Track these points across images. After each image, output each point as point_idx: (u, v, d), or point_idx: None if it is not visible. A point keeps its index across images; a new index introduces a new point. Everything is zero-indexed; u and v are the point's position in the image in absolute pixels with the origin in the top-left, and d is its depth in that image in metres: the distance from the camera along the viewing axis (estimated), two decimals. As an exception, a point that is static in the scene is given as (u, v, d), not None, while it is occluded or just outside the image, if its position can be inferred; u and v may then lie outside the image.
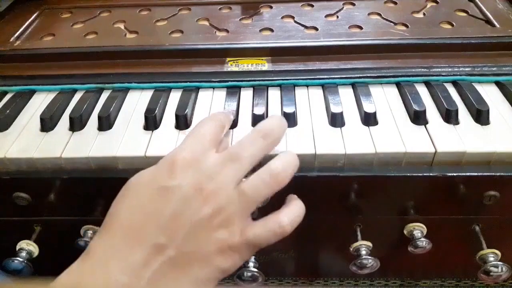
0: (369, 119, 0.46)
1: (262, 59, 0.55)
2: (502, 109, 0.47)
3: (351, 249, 0.47)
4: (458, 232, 0.49)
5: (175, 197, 0.33)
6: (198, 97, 0.51)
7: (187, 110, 0.48)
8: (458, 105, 0.47)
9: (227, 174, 0.35)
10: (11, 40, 0.60)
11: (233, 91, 0.51)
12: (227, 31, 0.61)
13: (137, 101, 0.51)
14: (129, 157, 0.44)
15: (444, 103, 0.46)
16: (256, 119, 0.47)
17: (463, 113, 0.47)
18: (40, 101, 0.52)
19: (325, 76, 0.52)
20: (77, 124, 0.47)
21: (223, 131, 0.39)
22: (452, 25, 0.59)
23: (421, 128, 0.45)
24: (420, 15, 0.62)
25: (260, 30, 0.60)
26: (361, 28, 0.59)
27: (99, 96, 0.52)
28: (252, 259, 0.46)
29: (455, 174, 0.42)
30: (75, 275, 0.31)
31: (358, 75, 0.52)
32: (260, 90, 0.51)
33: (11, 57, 0.58)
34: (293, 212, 0.37)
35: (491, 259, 0.45)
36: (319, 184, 0.44)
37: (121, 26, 0.64)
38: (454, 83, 0.51)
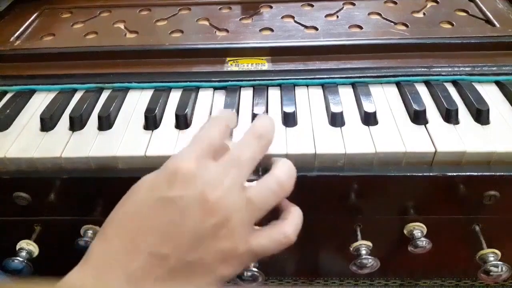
0: (369, 119, 0.46)
1: (262, 59, 0.55)
2: (502, 109, 0.47)
3: (351, 249, 0.47)
4: (458, 232, 0.49)
5: (177, 208, 0.32)
6: (198, 97, 0.51)
7: (187, 110, 0.48)
8: (458, 105, 0.47)
9: (231, 181, 0.33)
10: (11, 40, 0.61)
11: (233, 91, 0.51)
12: (227, 31, 0.61)
13: (137, 101, 0.51)
14: (129, 157, 0.44)
15: (444, 103, 0.46)
16: (256, 119, 0.47)
17: (463, 113, 0.47)
18: (40, 101, 0.52)
19: (325, 76, 0.52)
20: (77, 124, 0.47)
21: (227, 134, 0.38)
22: (452, 25, 0.59)
23: (421, 128, 0.45)
24: (420, 15, 0.62)
25: (260, 30, 0.60)
26: (361, 28, 0.59)
27: (99, 96, 0.52)
28: (252, 259, 0.46)
29: (455, 174, 0.42)
30: (76, 283, 0.31)
31: (358, 75, 0.52)
32: (260, 90, 0.51)
33: (11, 57, 0.58)
34: (296, 220, 0.37)
35: (491, 259, 0.45)
36: (319, 184, 0.44)
37: (121, 26, 0.64)
38: (454, 83, 0.51)
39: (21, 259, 0.45)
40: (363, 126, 0.46)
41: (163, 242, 0.31)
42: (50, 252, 0.49)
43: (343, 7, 0.65)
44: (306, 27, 0.60)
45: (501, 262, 0.45)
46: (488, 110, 0.46)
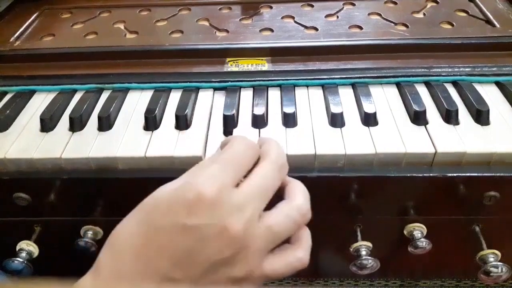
0: (369, 120, 0.46)
1: (262, 59, 0.55)
2: (502, 109, 0.47)
3: (351, 249, 0.47)
4: (458, 232, 0.49)
5: (195, 236, 0.30)
6: (198, 97, 0.51)
7: (187, 110, 0.48)
8: (458, 105, 0.47)
9: (252, 212, 0.32)
10: (11, 40, 0.61)
11: (233, 91, 0.51)
12: (227, 31, 0.61)
13: (137, 101, 0.51)
14: (129, 158, 0.44)
15: (444, 103, 0.46)
16: (256, 119, 0.47)
17: (463, 113, 0.47)
18: (40, 101, 0.52)
19: (325, 76, 0.52)
20: (77, 124, 0.47)
21: (256, 158, 0.35)
22: (452, 25, 0.59)
23: (421, 129, 0.45)
24: (420, 15, 0.62)
25: (260, 30, 0.60)
26: (361, 28, 0.59)
27: (99, 96, 0.52)
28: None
29: (455, 175, 0.42)
30: None
31: (358, 75, 0.52)
32: (260, 90, 0.51)
33: (11, 57, 0.58)
34: (307, 242, 0.36)
35: (491, 259, 0.45)
36: (319, 184, 0.44)
37: (121, 26, 0.64)
38: (454, 83, 0.51)
39: (21, 260, 0.45)
40: (363, 127, 0.46)
41: (176, 268, 0.30)
42: (50, 252, 0.49)
43: (343, 8, 0.65)
44: (306, 27, 0.60)
45: (501, 263, 0.45)
46: (488, 110, 0.46)
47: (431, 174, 0.42)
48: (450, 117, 0.46)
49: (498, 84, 0.51)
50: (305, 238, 0.36)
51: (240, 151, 0.34)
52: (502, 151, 0.42)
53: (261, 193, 0.33)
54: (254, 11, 0.65)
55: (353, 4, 0.66)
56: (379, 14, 0.62)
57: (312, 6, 0.66)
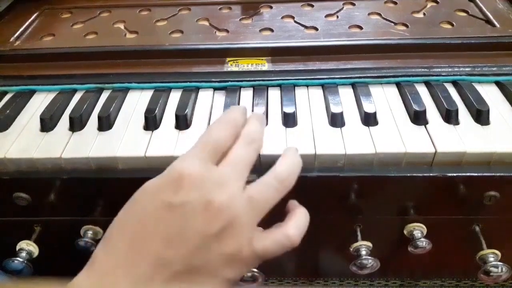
0: (369, 119, 0.46)
1: (262, 59, 0.55)
2: (502, 109, 0.47)
3: (351, 249, 0.47)
4: (458, 232, 0.49)
5: (182, 213, 0.32)
6: (198, 97, 0.51)
7: (187, 110, 0.48)
8: (458, 105, 0.47)
9: (234, 184, 0.34)
10: (11, 40, 0.61)
11: (233, 91, 0.51)
12: (227, 31, 0.61)
13: (137, 101, 0.51)
14: (129, 157, 0.44)
15: (444, 103, 0.46)
16: (256, 119, 0.47)
17: (463, 113, 0.47)
18: (40, 101, 0.52)
19: (325, 76, 0.52)
20: (77, 124, 0.47)
21: (238, 133, 0.38)
22: (452, 25, 0.59)
23: (421, 128, 0.45)
24: (420, 15, 0.62)
25: (260, 30, 0.60)
26: (361, 28, 0.59)
27: (99, 96, 0.52)
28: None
29: (455, 174, 0.42)
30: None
31: (358, 75, 0.51)
32: (260, 90, 0.51)
33: (11, 57, 0.58)
34: (299, 222, 0.37)
35: (491, 259, 0.45)
36: (319, 184, 0.44)
37: (121, 26, 0.64)
38: (454, 83, 0.51)
39: (21, 260, 0.45)
40: (363, 127, 0.46)
41: (168, 247, 0.31)
42: (50, 252, 0.49)
43: (343, 7, 0.65)
44: (306, 27, 0.60)
45: (501, 263, 0.45)
46: (488, 110, 0.46)
47: (431, 174, 0.42)
48: (450, 117, 0.46)
49: (498, 84, 0.51)
50: (298, 217, 0.37)
51: (215, 133, 0.36)
52: (502, 151, 0.42)
53: (237, 167, 0.35)
54: (254, 11, 0.65)
55: (353, 4, 0.66)
56: (379, 14, 0.62)
57: (312, 6, 0.66)
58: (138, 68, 0.55)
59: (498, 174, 0.42)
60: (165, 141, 0.45)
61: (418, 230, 0.47)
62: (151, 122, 0.47)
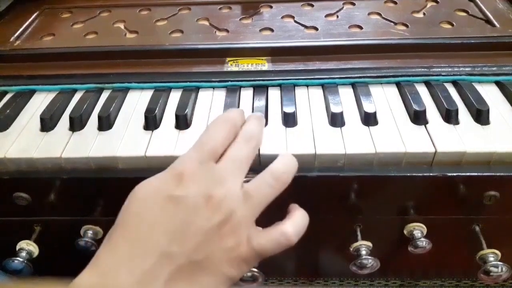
0: (369, 119, 0.46)
1: (262, 59, 0.55)
2: (502, 109, 0.47)
3: (351, 249, 0.47)
4: (458, 232, 0.49)
5: (184, 206, 0.32)
6: (198, 97, 0.51)
7: (187, 110, 0.48)
8: (458, 105, 0.47)
9: (232, 180, 0.35)
10: (11, 40, 0.60)
11: (233, 91, 0.51)
12: (227, 31, 0.61)
13: (137, 101, 0.51)
14: (129, 157, 0.44)
15: (444, 103, 0.46)
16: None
17: (463, 113, 0.47)
18: (40, 101, 0.52)
19: (325, 76, 0.52)
20: (77, 124, 0.47)
21: (236, 132, 0.38)
22: (452, 25, 0.59)
23: (421, 128, 0.45)
24: (420, 15, 0.62)
25: (260, 30, 0.60)
26: (361, 28, 0.59)
27: (99, 96, 0.52)
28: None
29: (455, 174, 0.42)
30: (84, 286, 0.31)
31: (358, 75, 0.51)
32: (260, 90, 0.51)
33: (11, 57, 0.58)
34: (297, 222, 0.37)
35: (491, 259, 0.45)
36: (319, 184, 0.44)
37: (121, 26, 0.64)
38: (454, 83, 0.51)
39: (21, 260, 0.45)
40: (363, 126, 0.46)
41: (172, 241, 0.32)
42: (50, 252, 0.49)
43: (343, 7, 0.65)
44: (306, 27, 0.60)
45: (501, 263, 0.45)
46: (488, 110, 0.46)
47: (431, 174, 0.42)
48: (450, 116, 0.46)
49: (498, 84, 0.51)
50: (296, 217, 0.38)
51: (213, 132, 0.37)
52: (502, 150, 0.42)
53: (236, 164, 0.36)
54: (254, 11, 0.65)
55: (353, 4, 0.66)
56: (379, 14, 0.62)
57: (312, 5, 0.66)
58: (138, 68, 0.55)
59: (498, 174, 0.42)
60: (165, 141, 0.45)
61: (418, 230, 0.47)
62: (151, 122, 0.47)
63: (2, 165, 0.45)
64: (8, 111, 0.50)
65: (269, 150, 0.43)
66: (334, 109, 0.47)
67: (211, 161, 0.35)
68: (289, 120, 0.46)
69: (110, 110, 0.48)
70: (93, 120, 0.48)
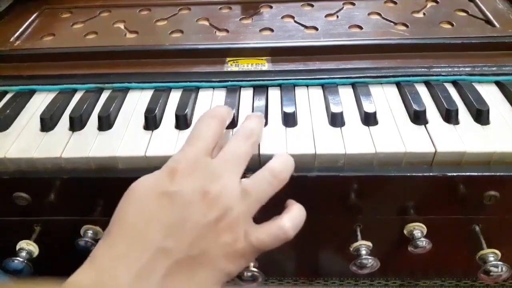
0: (369, 119, 0.46)
1: (262, 59, 0.55)
2: (502, 109, 0.47)
3: (351, 249, 0.47)
4: (458, 232, 0.49)
5: (179, 201, 0.33)
6: (198, 97, 0.51)
7: (187, 110, 0.48)
8: (458, 105, 0.47)
9: (228, 175, 0.35)
10: (11, 40, 0.60)
11: (233, 91, 0.51)
12: (227, 31, 0.61)
13: (137, 101, 0.51)
14: (129, 157, 0.44)
15: (444, 103, 0.46)
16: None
17: (463, 113, 0.47)
18: (40, 101, 0.52)
19: (325, 76, 0.52)
20: (77, 124, 0.47)
21: (223, 129, 0.40)
22: (452, 25, 0.59)
23: (421, 128, 0.45)
24: (420, 15, 0.62)
25: (260, 30, 0.60)
26: (361, 28, 0.59)
27: (99, 96, 0.52)
28: (252, 259, 0.46)
29: (455, 174, 0.42)
30: (82, 283, 0.31)
31: (358, 75, 0.51)
32: (260, 90, 0.51)
33: (11, 57, 0.58)
34: (295, 216, 0.37)
35: (491, 259, 0.45)
36: (319, 184, 0.44)
37: (121, 26, 0.64)
38: (454, 83, 0.51)
39: (21, 259, 0.45)
40: (363, 126, 0.46)
41: (168, 236, 0.32)
42: (50, 252, 0.49)
43: (343, 7, 0.65)
44: (306, 27, 0.60)
45: (501, 262, 0.45)
46: (488, 110, 0.46)
47: (431, 174, 0.42)
48: (450, 116, 0.46)
49: (498, 84, 0.51)
50: (293, 211, 0.38)
51: (203, 127, 0.38)
52: (502, 150, 0.42)
53: (233, 160, 0.36)
54: (254, 11, 0.65)
55: (353, 4, 0.66)
56: (379, 14, 0.62)
57: (312, 5, 0.66)
58: (138, 68, 0.55)
59: (498, 174, 0.42)
60: (165, 140, 0.45)
61: (418, 230, 0.47)
62: (151, 122, 0.47)
63: (2, 165, 0.45)
64: (8, 111, 0.50)
65: (269, 150, 0.43)
66: (334, 109, 0.47)
67: (206, 156, 0.36)
68: (289, 120, 0.46)
69: (110, 110, 0.48)
70: (93, 120, 0.48)
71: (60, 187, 0.45)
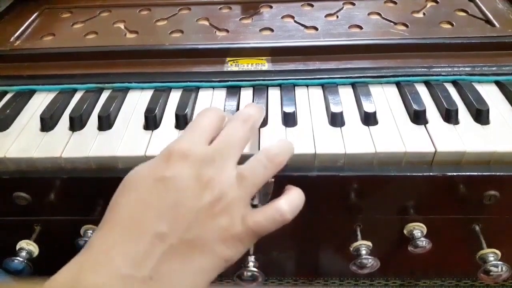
0: (369, 119, 0.46)
1: (262, 59, 0.55)
2: (502, 109, 0.47)
3: (351, 249, 0.47)
4: (458, 232, 0.49)
5: (174, 186, 0.33)
6: (198, 97, 0.51)
7: (187, 110, 0.48)
8: (458, 105, 0.47)
9: (223, 159, 0.35)
10: (11, 40, 0.61)
11: (233, 91, 0.51)
12: (227, 31, 0.61)
13: (137, 101, 0.51)
14: (129, 157, 0.44)
15: (444, 103, 0.46)
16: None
17: (463, 113, 0.47)
18: (40, 101, 0.52)
19: (325, 76, 0.52)
20: (77, 124, 0.47)
21: (223, 123, 0.40)
22: (452, 25, 0.59)
23: (421, 128, 0.45)
24: (420, 15, 0.62)
25: (260, 30, 0.60)
26: (361, 28, 0.59)
27: (99, 96, 0.52)
28: (252, 259, 0.46)
29: (455, 174, 0.42)
30: (76, 268, 0.31)
31: (358, 75, 0.52)
32: (260, 90, 0.51)
33: (11, 57, 0.58)
34: (292, 199, 0.37)
35: (491, 258, 0.45)
36: (319, 184, 0.44)
37: (121, 26, 0.64)
38: (454, 83, 0.51)
39: (21, 259, 0.45)
40: (363, 126, 0.46)
41: (163, 221, 0.32)
42: (50, 252, 0.49)
43: (343, 7, 0.65)
44: (306, 27, 0.60)
45: (501, 262, 0.45)
46: (488, 110, 0.46)
47: (431, 174, 0.42)
48: (450, 116, 0.46)
49: (498, 83, 0.51)
50: (290, 194, 0.38)
51: (200, 118, 0.38)
52: (502, 150, 0.42)
53: (229, 145, 0.36)
54: (254, 11, 0.65)
55: (353, 4, 0.66)
56: (379, 14, 0.62)
57: (312, 5, 0.66)
58: (138, 68, 0.55)
59: (498, 174, 0.42)
60: (165, 140, 0.45)
61: (418, 229, 0.47)
62: (151, 121, 0.47)
63: (2, 165, 0.45)
64: (8, 111, 0.50)
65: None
66: (334, 109, 0.47)
67: (202, 142, 0.36)
68: (289, 120, 0.46)
69: (110, 110, 0.48)
70: (93, 120, 0.48)
71: (60, 187, 0.45)
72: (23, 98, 0.52)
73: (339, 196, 0.45)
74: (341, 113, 0.46)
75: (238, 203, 0.34)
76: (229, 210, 0.34)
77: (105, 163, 0.44)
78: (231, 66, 0.55)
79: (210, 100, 0.51)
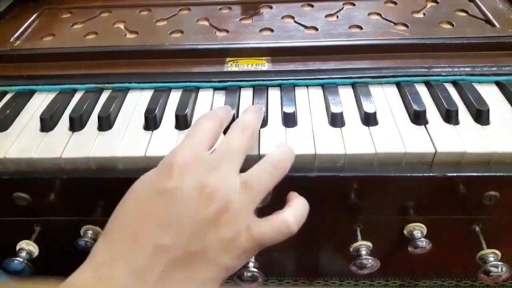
0: (369, 119, 0.46)
1: (262, 59, 0.55)
2: (502, 109, 0.47)
3: (351, 249, 0.47)
4: (458, 232, 0.49)
5: (176, 198, 0.32)
6: (198, 97, 0.51)
7: (187, 110, 0.48)
8: (458, 105, 0.47)
9: (226, 167, 0.34)
10: (11, 40, 0.60)
11: (233, 91, 0.51)
12: (227, 31, 0.61)
13: (137, 101, 0.51)
14: (129, 157, 0.44)
15: (444, 103, 0.46)
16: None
17: (463, 113, 0.47)
18: (40, 101, 0.52)
19: (325, 76, 0.52)
20: (77, 124, 0.47)
21: (222, 129, 0.39)
22: (452, 25, 0.59)
23: (421, 128, 0.45)
24: (420, 15, 0.62)
25: (260, 30, 0.60)
26: (361, 28, 0.59)
27: (99, 96, 0.52)
28: (252, 259, 0.46)
29: (455, 174, 0.42)
30: (79, 282, 0.31)
31: (358, 75, 0.51)
32: (260, 90, 0.51)
33: (11, 57, 0.58)
34: (298, 210, 0.37)
35: (491, 259, 0.45)
36: (319, 184, 0.44)
37: (121, 26, 0.64)
38: (454, 83, 0.51)
39: (21, 260, 0.45)
40: (363, 127, 0.46)
41: (165, 233, 0.31)
42: (50, 252, 0.49)
43: (343, 7, 0.65)
44: (306, 27, 0.60)
45: (501, 263, 0.45)
46: (488, 110, 0.46)
47: (431, 174, 0.42)
48: (450, 117, 0.46)
49: (498, 84, 0.51)
50: (296, 204, 0.37)
51: (200, 123, 0.38)
52: (502, 151, 0.42)
53: (230, 152, 0.36)
54: (254, 11, 0.65)
55: (353, 4, 0.66)
56: (379, 14, 0.62)
57: (312, 6, 0.66)
58: (138, 68, 0.55)
59: (498, 174, 0.42)
60: (165, 141, 0.45)
61: (418, 230, 0.47)
62: (151, 122, 0.47)
63: (2, 165, 0.45)
64: (8, 111, 0.50)
65: (269, 150, 0.43)
66: (334, 109, 0.47)
67: (203, 151, 0.35)
68: (289, 120, 0.46)
69: (110, 110, 0.48)
70: (93, 120, 0.48)
71: (60, 187, 0.45)
72: (23, 99, 0.52)
73: (339, 196, 0.45)
74: (341, 113, 0.46)
75: (243, 212, 0.34)
76: (234, 220, 0.33)
77: (105, 164, 0.44)
78: (231, 66, 0.55)
79: (210, 100, 0.51)
